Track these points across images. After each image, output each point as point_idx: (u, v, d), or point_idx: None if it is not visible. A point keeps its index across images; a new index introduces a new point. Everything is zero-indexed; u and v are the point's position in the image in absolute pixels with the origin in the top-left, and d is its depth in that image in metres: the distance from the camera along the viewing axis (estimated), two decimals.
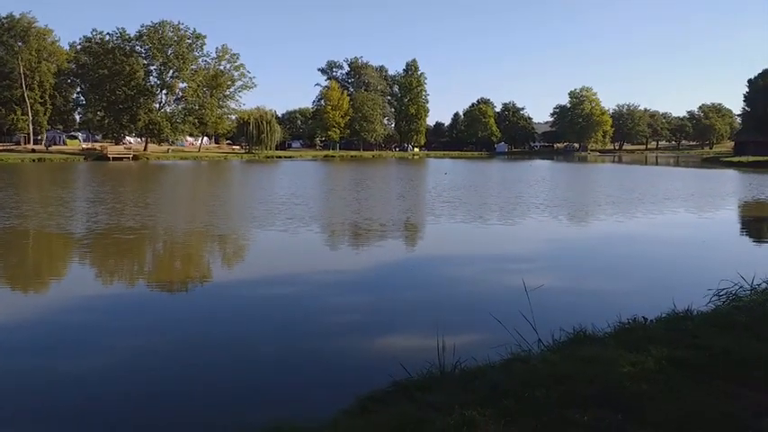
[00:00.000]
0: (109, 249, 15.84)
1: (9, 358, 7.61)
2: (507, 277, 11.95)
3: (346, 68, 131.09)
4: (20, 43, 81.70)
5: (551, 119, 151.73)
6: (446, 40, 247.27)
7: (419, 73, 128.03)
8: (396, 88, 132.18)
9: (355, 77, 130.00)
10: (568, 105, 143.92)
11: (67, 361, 7.50)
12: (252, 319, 9.35)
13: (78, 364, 7.37)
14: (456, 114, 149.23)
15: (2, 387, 6.76)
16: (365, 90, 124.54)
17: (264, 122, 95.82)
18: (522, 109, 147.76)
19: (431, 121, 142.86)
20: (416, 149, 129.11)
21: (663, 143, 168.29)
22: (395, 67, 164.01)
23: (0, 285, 12.07)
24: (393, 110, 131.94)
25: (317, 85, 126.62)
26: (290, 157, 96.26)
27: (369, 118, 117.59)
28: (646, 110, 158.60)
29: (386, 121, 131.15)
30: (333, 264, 14.02)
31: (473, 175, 54.25)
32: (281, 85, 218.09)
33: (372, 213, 22.79)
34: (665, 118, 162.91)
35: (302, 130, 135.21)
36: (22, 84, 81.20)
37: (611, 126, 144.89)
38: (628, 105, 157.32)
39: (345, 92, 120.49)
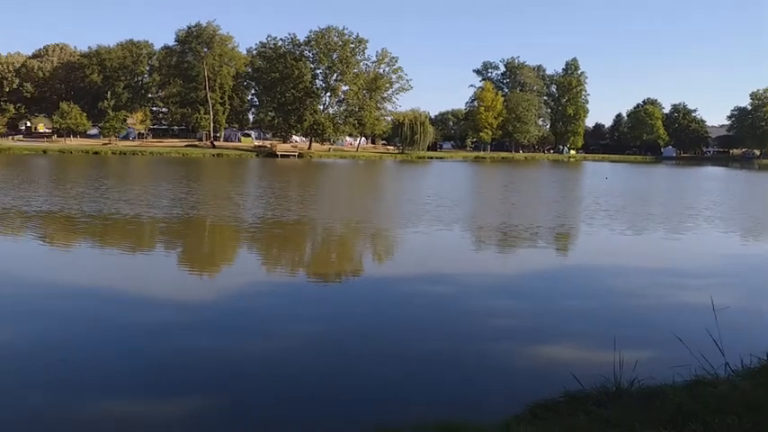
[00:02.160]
0: (273, 240, 17.26)
1: (187, 337, 8.48)
2: (684, 294, 11.20)
3: (502, 69, 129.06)
4: (205, 49, 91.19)
5: (728, 122, 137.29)
6: (610, 36, 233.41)
7: (579, 72, 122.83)
8: (553, 88, 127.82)
9: (511, 78, 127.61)
10: (749, 107, 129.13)
11: (250, 343, 8.27)
12: (412, 317, 9.63)
13: (260, 348, 8.09)
14: (618, 115, 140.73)
15: (194, 365, 7.58)
16: (520, 90, 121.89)
17: (418, 124, 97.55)
18: (695, 111, 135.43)
19: (590, 122, 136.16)
20: (573, 152, 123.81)
21: None
22: (553, 67, 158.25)
23: (179, 270, 13.61)
24: (549, 110, 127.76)
25: (471, 86, 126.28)
26: (440, 158, 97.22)
27: (523, 119, 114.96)
28: None
29: (541, 122, 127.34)
30: (484, 267, 13.99)
31: (636, 181, 50.99)
32: (435, 86, 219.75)
33: (522, 218, 22.35)
34: None
35: (453, 131, 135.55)
36: (205, 86, 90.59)
37: None
38: None
39: (500, 92, 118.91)
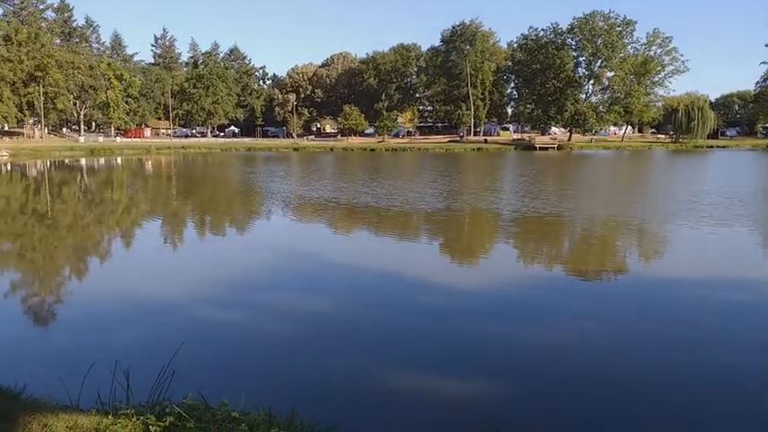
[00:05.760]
0: (528, 233, 17.69)
1: (469, 320, 9.49)
2: None
3: None
4: (468, 47, 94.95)
5: None
6: None
7: None
8: None
9: None
10: None
11: (528, 332, 8.93)
12: (704, 324, 9.04)
13: (537, 339, 8.74)
14: None
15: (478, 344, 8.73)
16: None
17: (695, 109, 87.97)
18: None
19: None
20: None
21: None
22: None
23: (446, 258, 14.84)
24: None
25: (763, 62, 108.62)
26: (723, 147, 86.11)
27: None
28: None
29: None
30: None
31: None
32: (715, 66, 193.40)
33: None
34: None
35: (740, 116, 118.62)
36: (467, 83, 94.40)
37: None
38: None
39: None
